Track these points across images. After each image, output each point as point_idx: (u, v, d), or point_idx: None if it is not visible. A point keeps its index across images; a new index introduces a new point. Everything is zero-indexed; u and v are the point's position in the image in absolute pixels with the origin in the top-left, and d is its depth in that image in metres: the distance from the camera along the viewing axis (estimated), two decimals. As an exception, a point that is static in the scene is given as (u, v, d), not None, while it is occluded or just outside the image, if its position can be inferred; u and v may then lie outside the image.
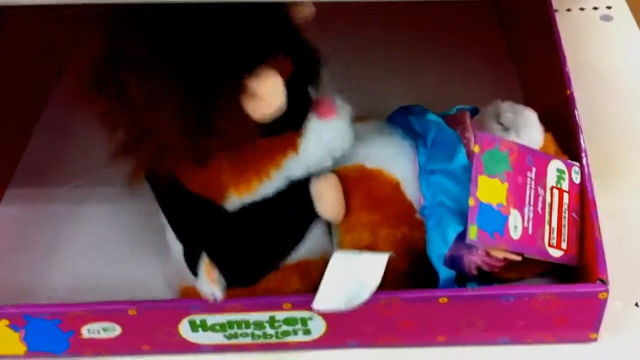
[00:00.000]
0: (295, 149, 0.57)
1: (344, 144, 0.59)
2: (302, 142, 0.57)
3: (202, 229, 0.58)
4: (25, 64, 0.78)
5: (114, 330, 0.60)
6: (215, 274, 0.57)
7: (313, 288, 0.57)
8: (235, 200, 0.57)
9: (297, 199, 0.58)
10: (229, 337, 0.61)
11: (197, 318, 0.59)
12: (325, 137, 0.58)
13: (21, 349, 0.62)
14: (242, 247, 0.58)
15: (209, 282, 0.57)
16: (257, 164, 0.56)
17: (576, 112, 0.65)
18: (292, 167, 0.57)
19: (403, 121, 0.65)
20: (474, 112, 0.67)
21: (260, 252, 0.59)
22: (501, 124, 0.64)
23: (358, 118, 0.63)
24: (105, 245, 0.71)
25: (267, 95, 0.52)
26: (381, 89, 0.81)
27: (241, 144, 0.54)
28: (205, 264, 0.57)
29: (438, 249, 0.59)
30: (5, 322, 0.59)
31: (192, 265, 0.58)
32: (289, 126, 0.56)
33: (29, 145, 0.80)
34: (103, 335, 0.60)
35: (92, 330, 0.60)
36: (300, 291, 0.60)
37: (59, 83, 0.84)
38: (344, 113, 0.59)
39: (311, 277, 0.59)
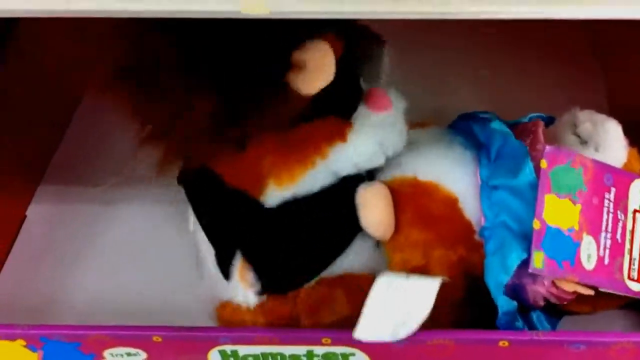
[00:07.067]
0: (343, 138, 0.52)
1: (398, 141, 0.53)
2: (350, 132, 0.52)
3: (237, 226, 0.53)
4: (61, 58, 0.73)
5: (139, 355, 0.55)
6: (249, 276, 0.52)
7: (361, 309, 0.51)
8: (275, 193, 0.52)
9: (343, 201, 0.53)
10: (263, 368, 0.55)
11: (228, 348, 0.54)
12: (377, 130, 0.52)
13: (40, 369, 0.58)
14: (280, 248, 0.53)
15: (243, 285, 0.52)
16: (301, 151, 0.51)
17: (668, 125, 0.57)
18: (339, 159, 0.52)
19: (465, 129, 0.58)
20: (550, 121, 0.59)
21: (300, 254, 0.53)
22: (578, 135, 0.57)
23: (417, 124, 0.58)
24: (137, 251, 0.66)
25: (316, 65, 0.48)
26: (445, 91, 0.74)
27: (281, 126, 0.50)
28: (239, 266, 0.53)
29: (498, 278, 0.53)
30: (22, 342, 0.55)
31: (225, 267, 0.54)
32: (335, 110, 0.51)
33: (63, 141, 0.75)
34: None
35: (115, 355, 0.55)
36: (346, 311, 0.53)
37: (95, 77, 0.79)
38: (399, 107, 0.54)
39: (360, 294, 0.52)
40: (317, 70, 0.48)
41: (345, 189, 0.53)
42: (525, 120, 0.59)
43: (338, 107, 0.52)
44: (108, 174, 0.71)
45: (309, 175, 0.51)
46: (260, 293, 0.53)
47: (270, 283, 0.53)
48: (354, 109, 0.52)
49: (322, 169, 0.52)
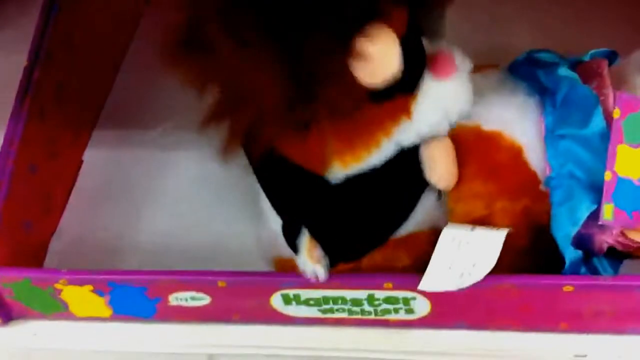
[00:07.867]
0: (409, 114, 0.50)
1: (463, 107, 0.52)
2: (416, 106, 0.50)
3: (303, 202, 0.53)
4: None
5: (203, 299, 0.56)
6: (317, 251, 0.52)
7: (423, 263, 0.51)
8: (339, 171, 0.51)
9: (406, 167, 0.51)
10: (324, 311, 0.56)
11: (290, 292, 0.54)
12: (442, 99, 0.50)
13: (107, 312, 0.59)
14: (347, 222, 0.53)
15: (311, 261, 0.52)
16: (366, 133, 0.50)
17: None
18: (404, 134, 0.50)
19: (528, 73, 0.56)
20: (612, 57, 0.57)
21: (367, 226, 0.53)
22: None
23: (474, 68, 0.55)
24: (196, 196, 0.66)
25: (381, 59, 0.46)
26: (497, 28, 0.71)
27: (346, 110, 0.48)
28: (307, 241, 0.52)
29: (565, 229, 0.51)
30: (90, 287, 0.56)
31: (292, 241, 0.53)
32: (402, 89, 0.49)
33: (115, 86, 0.74)
34: (192, 303, 0.57)
35: (180, 298, 0.56)
36: (409, 267, 0.53)
37: (147, 15, 0.78)
38: (464, 70, 0.52)
39: (421, 250, 0.53)
40: (381, 66, 0.46)
41: (406, 155, 0.51)
42: (587, 58, 0.57)
43: (405, 83, 0.49)
44: (162, 118, 0.71)
45: (374, 154, 0.50)
46: (329, 267, 0.52)
47: (338, 256, 0.53)
48: (418, 80, 0.50)
49: (387, 147, 0.50)
